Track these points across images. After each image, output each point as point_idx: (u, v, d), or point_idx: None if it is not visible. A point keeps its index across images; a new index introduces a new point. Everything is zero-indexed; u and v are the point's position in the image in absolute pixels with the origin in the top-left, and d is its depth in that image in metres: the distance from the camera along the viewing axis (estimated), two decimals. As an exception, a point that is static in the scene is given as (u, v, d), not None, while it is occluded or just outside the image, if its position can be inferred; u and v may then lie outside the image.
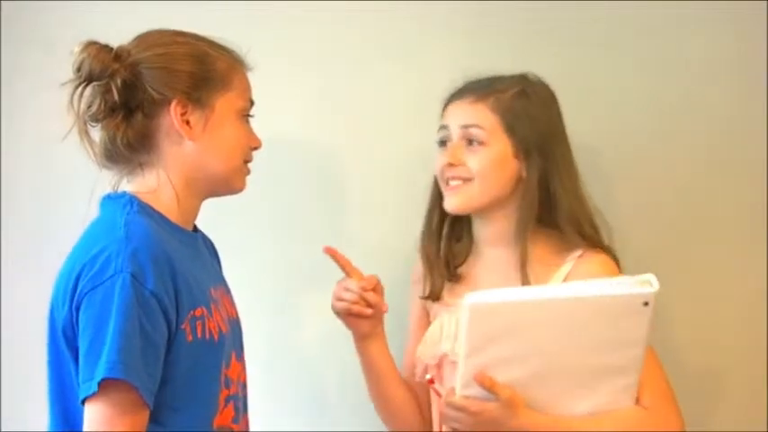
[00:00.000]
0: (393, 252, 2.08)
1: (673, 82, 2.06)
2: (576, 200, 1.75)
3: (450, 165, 1.74)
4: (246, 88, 1.63)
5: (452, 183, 1.75)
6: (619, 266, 1.76)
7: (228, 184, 1.62)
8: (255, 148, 1.64)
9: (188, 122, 1.55)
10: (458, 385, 1.60)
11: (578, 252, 1.73)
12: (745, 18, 2.04)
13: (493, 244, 1.79)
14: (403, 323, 1.91)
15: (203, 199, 1.62)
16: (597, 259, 1.73)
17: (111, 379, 1.40)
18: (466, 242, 1.83)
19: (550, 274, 1.74)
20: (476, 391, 1.58)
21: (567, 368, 1.57)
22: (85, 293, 1.45)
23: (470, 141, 1.74)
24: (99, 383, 1.40)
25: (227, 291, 1.67)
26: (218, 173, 1.59)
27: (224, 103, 1.58)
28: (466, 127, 1.74)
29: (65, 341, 1.48)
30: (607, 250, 1.76)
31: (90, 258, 1.46)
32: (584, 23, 2.07)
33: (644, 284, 1.53)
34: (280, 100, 2.10)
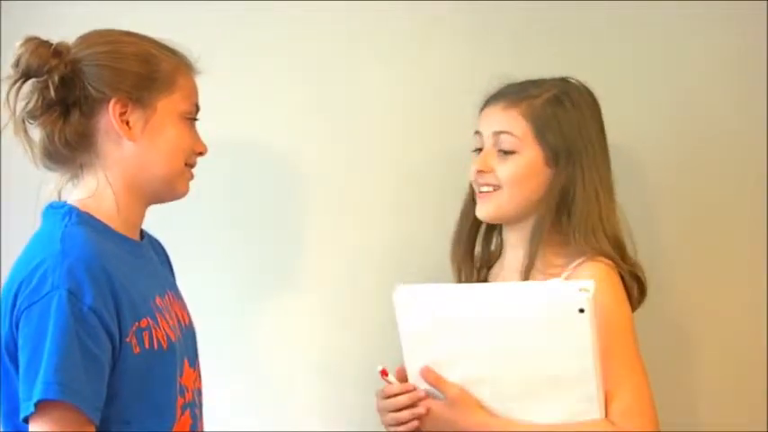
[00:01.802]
0: (379, 257, 2.10)
1: (673, 82, 2.06)
2: (595, 210, 1.70)
3: (480, 171, 1.73)
4: (192, 92, 1.59)
5: (483, 189, 1.74)
6: (640, 282, 1.72)
7: (170, 187, 1.58)
8: (200, 154, 1.61)
9: (127, 122, 1.52)
10: (409, 381, 1.59)
11: (579, 260, 1.68)
12: (745, 18, 2.04)
13: (515, 248, 1.76)
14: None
15: (147, 205, 1.59)
16: (592, 267, 1.66)
17: (49, 400, 1.38)
18: (498, 246, 1.83)
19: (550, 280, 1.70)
20: (426, 387, 1.57)
21: (515, 375, 1.54)
22: (23, 311, 1.42)
23: (502, 148, 1.72)
24: (36, 404, 1.38)
25: (178, 297, 1.64)
26: (158, 175, 1.55)
27: (166, 105, 1.55)
28: (497, 134, 1.72)
29: (9, 358, 1.46)
30: (615, 261, 1.69)
31: (27, 274, 1.44)
32: (583, 24, 2.07)
33: (582, 291, 1.49)
34: (271, 99, 2.10)
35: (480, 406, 1.57)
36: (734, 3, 2.04)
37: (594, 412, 1.56)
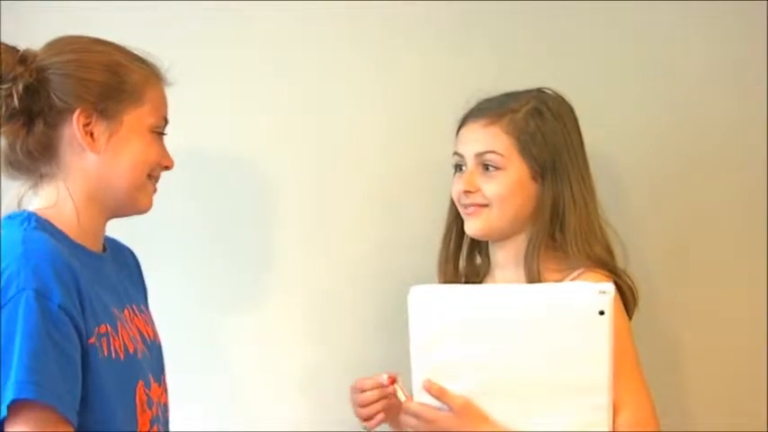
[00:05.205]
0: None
1: (673, 83, 2.06)
2: (587, 219, 1.70)
3: (467, 192, 1.71)
4: (161, 105, 1.56)
5: (469, 209, 1.72)
6: (632, 292, 1.70)
7: (132, 201, 1.54)
8: (166, 168, 1.58)
9: (91, 134, 1.49)
10: (414, 390, 1.56)
11: (578, 272, 1.67)
12: (746, 19, 2.04)
13: (504, 266, 1.75)
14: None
15: (107, 218, 1.56)
16: (592, 278, 1.63)
17: (24, 400, 1.34)
18: (484, 260, 1.81)
19: None
20: (430, 400, 1.54)
21: (526, 382, 1.51)
22: None
23: (486, 167, 1.70)
24: (9, 406, 1.33)
25: (141, 311, 1.61)
26: (120, 188, 1.52)
27: (133, 118, 1.51)
28: (481, 154, 1.70)
29: None
30: (612, 271, 1.69)
31: None
32: (576, 25, 2.05)
33: (601, 293, 1.47)
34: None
35: (486, 418, 1.53)
36: (734, 3, 2.04)
37: (603, 424, 1.52)
